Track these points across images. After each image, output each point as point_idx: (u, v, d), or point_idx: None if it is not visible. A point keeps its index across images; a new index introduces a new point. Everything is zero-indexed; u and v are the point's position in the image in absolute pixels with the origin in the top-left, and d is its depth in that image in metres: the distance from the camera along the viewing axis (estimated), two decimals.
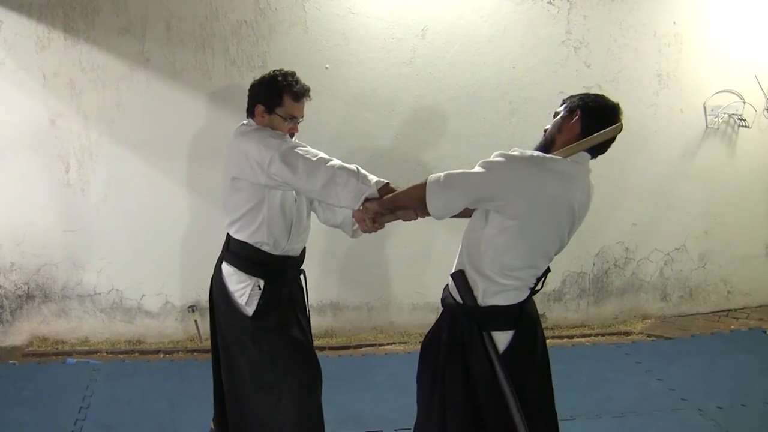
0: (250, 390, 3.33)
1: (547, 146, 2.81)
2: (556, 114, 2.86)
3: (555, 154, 2.70)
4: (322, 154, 3.04)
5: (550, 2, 5.21)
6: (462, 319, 2.77)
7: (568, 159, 2.70)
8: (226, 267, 3.34)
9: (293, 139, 3.24)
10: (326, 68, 5.05)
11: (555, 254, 2.81)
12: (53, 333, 5.22)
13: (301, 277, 3.53)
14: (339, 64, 5.08)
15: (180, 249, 5.18)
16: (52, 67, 4.83)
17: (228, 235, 3.36)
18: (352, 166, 3.00)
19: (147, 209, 5.07)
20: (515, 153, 2.66)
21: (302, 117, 3.29)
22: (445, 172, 2.68)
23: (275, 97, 3.19)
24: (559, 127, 2.82)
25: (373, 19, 5.04)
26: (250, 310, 3.27)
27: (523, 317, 2.76)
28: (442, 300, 2.92)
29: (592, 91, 5.40)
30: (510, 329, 2.73)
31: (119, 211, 5.07)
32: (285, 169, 2.99)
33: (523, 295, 2.75)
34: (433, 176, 2.70)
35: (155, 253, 5.17)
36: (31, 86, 4.83)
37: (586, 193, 2.79)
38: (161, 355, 5.15)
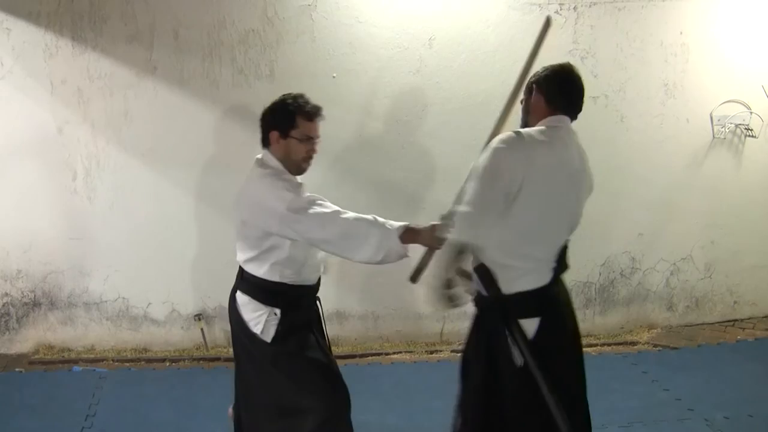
0: (275, 418, 3.23)
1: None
2: (521, 102, 2.99)
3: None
4: (336, 207, 2.98)
5: (557, 12, 5.21)
6: (488, 310, 2.80)
7: (543, 126, 2.81)
8: (240, 296, 3.25)
9: (311, 159, 3.19)
10: (333, 77, 5.06)
11: (569, 226, 2.86)
12: (59, 341, 5.23)
13: (318, 303, 3.45)
14: (346, 73, 5.09)
15: (186, 257, 5.19)
16: (59, 75, 4.85)
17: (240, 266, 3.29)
18: (369, 217, 2.95)
19: (154, 217, 5.08)
20: (493, 145, 2.74)
21: (318, 137, 3.21)
22: (460, 210, 2.72)
23: (288, 120, 3.12)
24: (527, 109, 2.96)
25: (380, 29, 5.06)
26: (268, 337, 3.17)
27: (549, 303, 2.78)
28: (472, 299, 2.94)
29: (599, 102, 5.46)
30: (536, 316, 2.76)
31: (126, 219, 5.08)
32: (297, 223, 2.94)
33: (545, 278, 2.78)
34: (456, 219, 2.74)
35: (162, 261, 5.18)
36: (38, 94, 4.85)
37: (578, 156, 2.89)
38: (167, 363, 5.15)
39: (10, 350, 5.18)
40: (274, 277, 3.15)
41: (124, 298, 5.21)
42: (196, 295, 5.24)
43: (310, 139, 3.16)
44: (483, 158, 2.72)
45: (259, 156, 3.21)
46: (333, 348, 5.29)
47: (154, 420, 4.28)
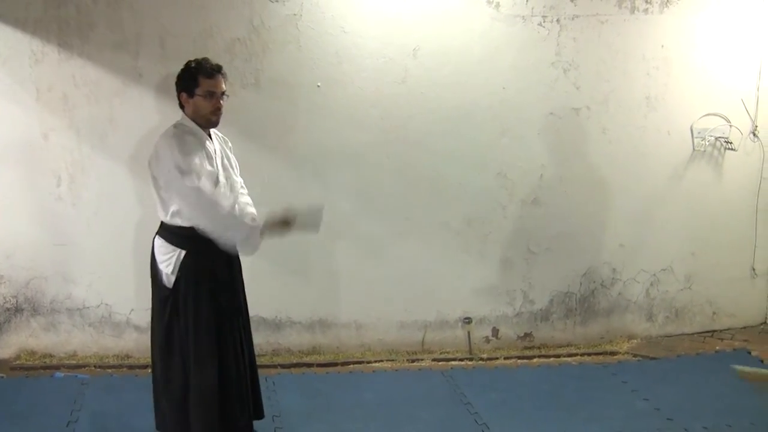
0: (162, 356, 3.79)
1: None
2: None
3: None
4: (214, 199, 3.48)
5: (540, 24, 5.27)
6: None
7: None
8: (156, 240, 3.69)
9: (220, 110, 3.62)
10: (318, 86, 5.08)
11: None
12: (41, 346, 5.21)
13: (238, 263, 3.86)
14: (331, 82, 5.11)
15: None
16: (45, 82, 4.85)
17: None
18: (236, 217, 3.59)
19: (137, 224, 5.06)
20: None
21: (223, 91, 3.61)
22: None
23: (191, 80, 3.55)
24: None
25: (365, 39, 5.09)
26: (171, 281, 3.61)
27: None
28: None
29: (582, 114, 5.51)
30: None
31: (110, 225, 5.07)
32: (176, 181, 3.44)
33: None
34: None
35: (145, 267, 5.11)
36: (24, 100, 4.85)
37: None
38: (149, 370, 5.12)
39: None
40: (177, 222, 3.56)
41: (106, 304, 5.20)
42: None
43: (213, 94, 3.57)
44: None
45: (178, 120, 3.66)
46: (315, 356, 5.40)
47: (136, 427, 4.26)
